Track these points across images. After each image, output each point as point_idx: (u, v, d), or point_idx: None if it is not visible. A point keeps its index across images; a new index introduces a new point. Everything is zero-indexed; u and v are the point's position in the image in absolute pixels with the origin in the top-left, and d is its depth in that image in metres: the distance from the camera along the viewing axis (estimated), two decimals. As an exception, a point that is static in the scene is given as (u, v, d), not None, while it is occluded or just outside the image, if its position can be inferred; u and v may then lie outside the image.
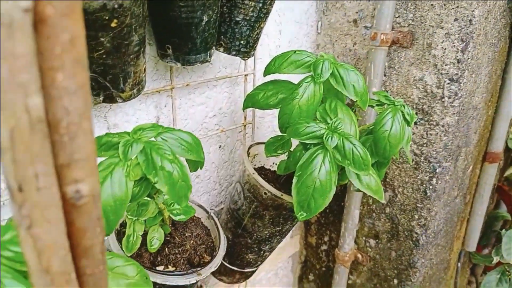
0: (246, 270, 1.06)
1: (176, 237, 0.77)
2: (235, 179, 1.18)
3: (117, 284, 0.53)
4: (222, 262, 0.97)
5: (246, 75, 1.05)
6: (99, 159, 0.58)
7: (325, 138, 0.78)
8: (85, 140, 0.27)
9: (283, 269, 1.53)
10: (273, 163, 1.09)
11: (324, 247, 1.46)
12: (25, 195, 0.25)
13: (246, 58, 0.89)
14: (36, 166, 0.25)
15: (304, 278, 1.58)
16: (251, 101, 0.91)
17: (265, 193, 0.92)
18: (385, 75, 1.13)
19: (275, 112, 1.21)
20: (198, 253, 0.78)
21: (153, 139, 0.57)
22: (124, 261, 0.55)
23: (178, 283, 0.67)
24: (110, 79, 0.68)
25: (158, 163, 0.54)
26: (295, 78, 0.90)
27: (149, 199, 0.61)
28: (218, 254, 0.79)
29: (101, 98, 0.71)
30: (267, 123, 1.21)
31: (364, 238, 1.32)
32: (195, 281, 0.70)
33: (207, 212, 0.87)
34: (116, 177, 0.54)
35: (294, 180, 0.79)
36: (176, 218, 0.70)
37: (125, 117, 0.87)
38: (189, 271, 0.71)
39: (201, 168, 0.70)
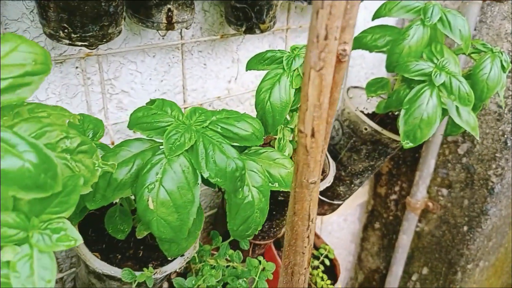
0: (334, 202, 1.17)
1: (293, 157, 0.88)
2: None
3: (279, 173, 0.65)
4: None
5: (346, 23, 1.13)
6: (263, 72, 0.69)
7: (434, 75, 0.87)
8: (355, 9, 0.38)
9: (351, 215, 1.64)
10: (364, 108, 1.18)
11: (394, 196, 1.55)
12: (327, 42, 0.36)
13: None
14: (337, 22, 0.35)
15: (369, 226, 1.69)
16: (358, 43, 0.99)
17: (365, 129, 1.01)
18: (475, 29, 1.18)
19: (361, 59, 1.29)
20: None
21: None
22: (281, 155, 0.67)
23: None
24: (257, 10, 0.78)
25: (317, 74, 0.65)
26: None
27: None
28: (329, 174, 0.90)
29: (243, 29, 0.82)
30: (356, 67, 1.30)
31: (436, 187, 1.40)
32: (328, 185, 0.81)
33: (315, 140, 0.98)
34: (282, 84, 0.64)
35: (402, 112, 0.88)
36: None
37: (246, 53, 0.98)
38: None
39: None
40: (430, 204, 1.42)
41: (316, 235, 1.24)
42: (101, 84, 0.76)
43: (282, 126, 0.70)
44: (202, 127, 0.55)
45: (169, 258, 0.64)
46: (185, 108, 0.86)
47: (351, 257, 1.78)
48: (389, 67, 0.94)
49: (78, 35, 0.57)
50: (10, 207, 0.38)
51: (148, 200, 0.50)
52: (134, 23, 0.71)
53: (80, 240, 0.41)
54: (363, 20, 1.19)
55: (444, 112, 0.93)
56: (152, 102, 0.59)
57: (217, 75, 0.95)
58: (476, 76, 0.94)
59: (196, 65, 0.90)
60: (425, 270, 1.54)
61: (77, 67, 0.74)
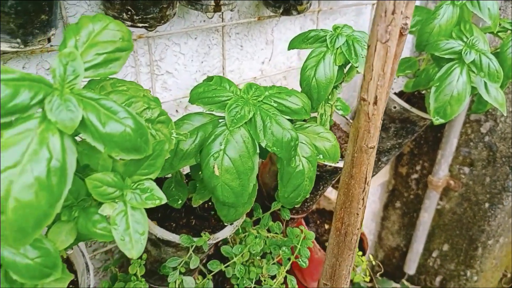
0: (361, 180, 1.21)
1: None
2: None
3: (323, 145, 0.69)
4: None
5: (374, 4, 1.16)
6: (294, 54, 0.73)
7: (464, 53, 0.90)
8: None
9: (372, 195, 1.68)
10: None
11: (415, 176, 1.59)
12: (394, 17, 0.39)
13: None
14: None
15: (389, 206, 1.73)
16: (387, 24, 1.02)
17: (394, 107, 1.05)
18: (499, 9, 1.20)
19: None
20: (342, 149, 0.94)
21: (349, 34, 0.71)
22: (325, 129, 0.71)
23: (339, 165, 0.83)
24: (295, -8, 0.82)
25: (359, 52, 0.68)
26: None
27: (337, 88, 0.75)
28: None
29: (281, 10, 0.85)
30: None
31: (458, 166, 1.43)
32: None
33: (346, 118, 1.02)
34: (327, 61, 0.68)
35: (432, 90, 0.92)
36: (339, 113, 0.85)
37: (279, 35, 1.02)
38: (339, 160, 0.86)
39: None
40: (451, 182, 1.46)
41: (343, 211, 1.28)
42: (150, 65, 0.80)
43: (324, 102, 0.74)
44: (258, 101, 0.59)
45: (226, 224, 0.69)
46: (224, 88, 0.90)
47: (372, 236, 1.83)
48: (419, 46, 0.97)
49: (140, 17, 0.61)
50: (109, 168, 0.43)
51: (214, 167, 0.54)
52: (182, 6, 0.74)
53: (164, 199, 0.46)
54: (389, 1, 1.22)
55: (473, 89, 0.96)
56: (210, 79, 0.64)
57: (252, 56, 0.99)
58: (504, 54, 0.97)
59: (233, 47, 0.94)
60: (445, 247, 1.58)
61: (127, 49, 0.78)
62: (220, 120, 0.59)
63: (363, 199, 0.52)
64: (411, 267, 1.67)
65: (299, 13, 0.86)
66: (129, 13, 0.61)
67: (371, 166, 0.50)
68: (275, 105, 0.60)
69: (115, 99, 0.45)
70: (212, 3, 0.71)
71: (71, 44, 0.42)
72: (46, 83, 0.38)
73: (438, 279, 1.63)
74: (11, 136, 0.36)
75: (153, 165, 0.45)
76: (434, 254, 1.62)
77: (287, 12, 0.85)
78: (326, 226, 1.28)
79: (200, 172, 0.67)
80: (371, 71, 0.43)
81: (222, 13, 0.86)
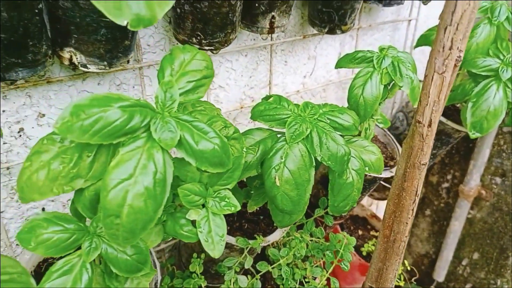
0: (395, 188, 1.26)
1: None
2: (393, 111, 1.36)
3: (369, 158, 0.75)
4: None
5: (409, 20, 1.21)
6: (356, 70, 0.79)
7: (501, 70, 0.94)
8: (471, 24, 0.47)
9: (402, 203, 1.72)
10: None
11: (446, 184, 1.62)
12: (451, 52, 0.45)
13: (426, 3, 1.05)
14: (460, 35, 0.45)
15: (419, 213, 1.76)
16: (425, 40, 1.07)
17: (430, 120, 1.09)
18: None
19: (420, 54, 1.36)
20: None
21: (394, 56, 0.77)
22: (370, 143, 0.77)
23: (386, 175, 0.88)
24: (341, 13, 0.87)
25: (404, 72, 0.74)
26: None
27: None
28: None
29: (326, 30, 0.91)
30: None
31: (489, 176, 1.46)
32: (390, 175, 0.91)
33: (384, 130, 1.07)
34: (374, 81, 0.74)
35: (469, 105, 0.96)
36: (380, 126, 0.91)
37: (320, 50, 1.08)
38: (385, 168, 0.91)
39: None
40: (483, 192, 1.48)
41: (377, 218, 1.33)
42: (206, 80, 0.88)
43: (368, 118, 0.80)
44: (314, 118, 0.65)
45: (276, 228, 0.75)
46: (270, 101, 0.96)
47: (401, 243, 1.86)
48: (456, 63, 1.01)
49: (207, 41, 0.68)
50: (197, 179, 0.50)
51: (275, 178, 0.61)
52: (240, 28, 0.81)
53: (238, 207, 0.53)
54: (425, 17, 1.26)
55: (508, 104, 1.00)
56: (267, 97, 0.70)
57: (295, 71, 1.06)
58: (539, 71, 1.00)
59: (278, 63, 1.01)
60: (475, 255, 1.60)
61: (185, 66, 0.86)
62: (278, 135, 0.66)
63: (412, 209, 0.58)
64: (440, 274, 1.70)
65: (343, 32, 0.92)
66: (198, 37, 0.68)
67: (421, 180, 0.55)
68: (329, 122, 0.66)
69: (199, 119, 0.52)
70: (267, 26, 0.78)
71: (168, 73, 0.49)
72: (151, 108, 0.46)
73: (468, 286, 1.66)
74: (126, 153, 0.43)
75: (231, 176, 0.51)
76: (464, 262, 1.65)
77: (331, 31, 0.91)
78: (360, 232, 1.33)
79: (255, 181, 0.74)
80: (427, 98, 0.48)
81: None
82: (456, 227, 1.59)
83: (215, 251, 0.49)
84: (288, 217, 0.68)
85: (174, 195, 0.51)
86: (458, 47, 0.45)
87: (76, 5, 0.56)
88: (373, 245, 1.20)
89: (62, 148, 0.44)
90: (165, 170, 0.44)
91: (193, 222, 0.51)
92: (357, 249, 1.24)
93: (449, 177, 1.60)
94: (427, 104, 0.48)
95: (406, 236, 0.61)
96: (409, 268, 1.14)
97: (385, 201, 1.35)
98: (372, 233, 1.32)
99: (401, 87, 0.74)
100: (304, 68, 1.07)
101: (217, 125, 0.52)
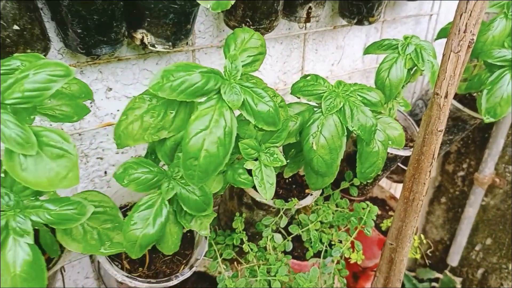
0: (413, 171, 1.35)
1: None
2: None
3: (392, 133, 0.85)
4: (398, 161, 1.27)
5: (431, 15, 1.30)
6: (381, 56, 0.89)
7: (514, 60, 1.02)
8: (483, 12, 0.56)
9: (419, 190, 1.81)
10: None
11: (461, 173, 1.70)
12: (465, 34, 0.55)
13: (447, -2, 1.14)
14: (473, 21, 0.55)
15: (435, 201, 1.85)
16: (445, 33, 1.16)
17: (448, 106, 1.18)
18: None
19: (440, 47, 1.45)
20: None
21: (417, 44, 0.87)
22: (393, 120, 0.87)
23: (405, 154, 0.98)
24: (369, 6, 0.98)
25: (426, 58, 0.84)
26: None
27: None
28: (418, 142, 1.08)
29: (355, 21, 1.02)
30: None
31: (503, 164, 1.54)
32: (409, 153, 1.01)
33: (404, 114, 1.17)
34: (398, 65, 0.84)
35: (484, 92, 1.05)
36: (401, 109, 1.01)
37: (347, 41, 1.18)
38: (405, 148, 1.01)
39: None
40: (497, 179, 1.56)
41: (395, 199, 1.43)
42: (247, 64, 0.99)
43: (392, 98, 0.90)
44: (346, 94, 0.76)
45: (307, 194, 0.86)
46: (301, 85, 1.07)
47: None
48: (474, 54, 1.10)
49: (255, 27, 0.79)
50: (253, 136, 0.61)
51: (312, 144, 0.72)
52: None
53: (284, 162, 0.64)
54: (445, 11, 1.35)
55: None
56: (305, 76, 0.81)
57: (324, 59, 1.16)
58: (552, 62, 1.09)
59: (310, 51, 1.11)
60: (488, 241, 1.69)
61: (229, 51, 0.97)
62: (314, 109, 0.76)
63: (429, 171, 0.68)
64: (454, 259, 1.79)
65: (370, 23, 1.02)
66: (247, 24, 0.79)
67: (438, 145, 0.65)
68: (359, 98, 0.76)
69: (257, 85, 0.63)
70: (304, 15, 0.89)
71: (232, 49, 0.60)
72: (221, 75, 0.57)
73: (480, 271, 1.74)
74: (203, 109, 0.54)
75: (279, 136, 0.63)
76: (477, 248, 1.73)
77: (360, 23, 1.02)
78: (379, 212, 1.42)
79: (291, 151, 0.85)
80: (445, 73, 0.59)
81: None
82: (470, 213, 1.67)
83: (267, 194, 0.60)
84: (321, 179, 0.79)
85: (233, 151, 0.63)
86: (471, 31, 0.55)
87: (152, -6, 0.68)
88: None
89: (151, 105, 0.56)
90: (232, 125, 0.56)
91: (249, 172, 0.62)
92: (376, 226, 1.34)
93: (464, 165, 1.68)
94: (444, 78, 0.58)
95: (423, 195, 0.71)
96: (424, 242, 1.23)
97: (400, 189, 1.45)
98: (390, 213, 1.42)
99: (423, 71, 0.84)
100: (332, 57, 1.18)
101: (269, 93, 0.63)
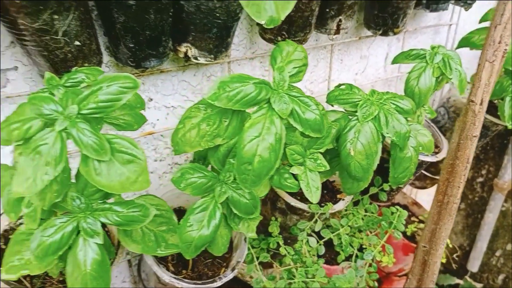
0: (435, 177, 1.38)
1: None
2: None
3: (422, 140, 0.88)
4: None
5: (450, 25, 1.33)
6: (409, 65, 0.93)
7: (536, 68, 1.06)
8: (516, 25, 0.60)
9: (438, 196, 1.83)
10: (462, 97, 1.37)
11: (480, 179, 1.72)
12: (499, 45, 0.59)
13: (467, 9, 1.18)
14: (508, 33, 0.58)
15: (454, 207, 1.86)
16: (465, 42, 1.20)
17: (470, 113, 1.22)
18: None
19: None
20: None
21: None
22: (422, 127, 0.90)
23: (431, 160, 1.01)
24: (395, 18, 1.02)
25: (453, 67, 0.87)
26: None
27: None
28: (443, 149, 1.12)
29: (380, 32, 1.06)
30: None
31: (523, 170, 1.56)
32: (435, 159, 1.04)
33: (427, 122, 1.20)
34: (427, 74, 0.88)
35: (507, 99, 1.09)
36: (427, 116, 1.04)
37: (371, 51, 1.22)
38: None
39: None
40: (517, 185, 1.58)
41: (418, 205, 1.45)
42: (278, 74, 1.03)
43: (421, 106, 0.93)
44: (380, 102, 0.79)
45: (343, 198, 0.90)
46: (328, 94, 1.12)
47: (435, 235, 1.96)
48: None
49: (290, 39, 0.83)
50: (299, 142, 0.65)
51: (350, 150, 0.75)
52: (309, 30, 0.96)
53: (327, 167, 0.67)
54: (463, 22, 1.39)
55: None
56: (339, 85, 0.85)
57: (348, 68, 1.20)
58: None
59: (335, 61, 1.15)
60: (509, 247, 1.70)
61: (261, 62, 1.01)
62: (349, 116, 0.80)
63: (464, 175, 0.71)
64: (474, 265, 1.80)
65: (395, 34, 1.06)
66: (283, 36, 0.83)
67: (473, 150, 0.69)
68: (393, 106, 0.80)
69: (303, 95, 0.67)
70: (334, 28, 0.93)
71: (279, 61, 0.64)
72: (270, 86, 0.61)
73: (501, 277, 1.75)
74: (255, 118, 0.58)
75: (323, 142, 0.66)
76: (498, 253, 1.74)
77: (385, 33, 1.06)
78: (401, 218, 1.45)
79: (326, 157, 0.88)
80: (479, 81, 0.62)
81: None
82: (490, 219, 1.69)
83: (313, 198, 0.64)
84: (356, 184, 0.82)
85: (278, 156, 0.66)
86: (505, 42, 0.59)
87: (198, 9, 0.72)
88: (416, 227, 1.32)
89: (207, 114, 0.60)
90: (281, 132, 0.59)
91: (294, 177, 0.65)
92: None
93: (483, 172, 1.70)
94: (479, 86, 0.62)
95: (458, 199, 0.74)
96: (451, 246, 1.25)
97: (424, 190, 1.47)
98: (412, 218, 1.44)
99: (451, 79, 0.87)
100: (356, 66, 1.21)
101: (313, 102, 0.67)
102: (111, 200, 0.57)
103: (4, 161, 0.79)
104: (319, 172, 0.85)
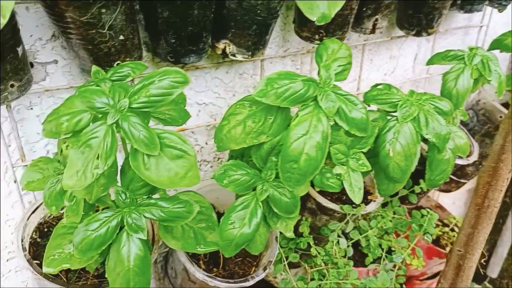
0: (461, 181, 1.36)
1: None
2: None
3: (459, 142, 0.87)
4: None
5: (481, 26, 1.31)
6: (433, 67, 0.91)
7: None
8: None
9: (459, 200, 1.81)
10: (492, 100, 1.35)
11: (504, 184, 1.69)
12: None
13: (502, 10, 1.16)
14: None
15: (475, 212, 1.84)
16: (498, 44, 1.17)
17: (500, 116, 1.20)
18: None
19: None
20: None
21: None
22: (458, 129, 0.88)
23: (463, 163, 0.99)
24: (430, 18, 1.00)
25: (493, 68, 0.86)
26: None
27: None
28: (474, 153, 1.10)
29: (413, 32, 1.04)
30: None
31: (549, 176, 1.53)
32: (466, 162, 1.02)
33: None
34: (465, 75, 0.86)
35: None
36: (460, 118, 1.02)
37: (401, 51, 1.20)
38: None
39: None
40: (542, 191, 1.56)
41: (441, 208, 1.43)
42: (310, 72, 1.02)
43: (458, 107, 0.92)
44: (419, 103, 0.78)
45: (374, 199, 0.88)
46: (357, 94, 1.10)
47: (454, 240, 1.94)
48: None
49: (328, 37, 0.82)
50: (343, 141, 0.64)
51: (389, 150, 0.74)
52: (344, 28, 0.95)
53: (369, 167, 0.66)
54: (494, 23, 1.37)
55: None
56: (376, 85, 0.84)
57: (378, 68, 1.19)
58: None
59: (366, 60, 1.14)
60: (531, 253, 1.67)
61: (292, 60, 1.01)
62: (387, 117, 0.79)
63: (507, 178, 0.70)
64: (494, 271, 1.77)
65: (428, 34, 1.04)
66: (320, 34, 0.82)
67: (518, 153, 0.67)
68: (432, 106, 0.79)
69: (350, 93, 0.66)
70: (370, 27, 0.92)
71: (325, 59, 0.63)
72: (317, 83, 0.60)
73: (522, 283, 1.72)
74: (302, 116, 0.57)
75: (367, 142, 0.65)
76: (519, 260, 1.72)
77: (418, 34, 1.04)
78: (425, 221, 1.43)
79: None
80: (532, 83, 0.60)
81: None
82: (513, 224, 1.66)
83: (356, 198, 0.63)
84: (392, 185, 0.81)
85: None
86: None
87: (240, 6, 0.72)
88: (440, 231, 1.31)
89: (252, 111, 0.59)
90: (328, 130, 0.58)
91: (335, 177, 0.65)
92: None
93: (507, 176, 1.67)
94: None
95: (498, 203, 0.72)
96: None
97: (447, 193, 1.45)
98: (436, 222, 1.42)
99: (490, 81, 0.86)
100: (386, 66, 1.20)
101: (359, 101, 0.66)
102: (155, 196, 0.57)
103: (32, 156, 0.79)
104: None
